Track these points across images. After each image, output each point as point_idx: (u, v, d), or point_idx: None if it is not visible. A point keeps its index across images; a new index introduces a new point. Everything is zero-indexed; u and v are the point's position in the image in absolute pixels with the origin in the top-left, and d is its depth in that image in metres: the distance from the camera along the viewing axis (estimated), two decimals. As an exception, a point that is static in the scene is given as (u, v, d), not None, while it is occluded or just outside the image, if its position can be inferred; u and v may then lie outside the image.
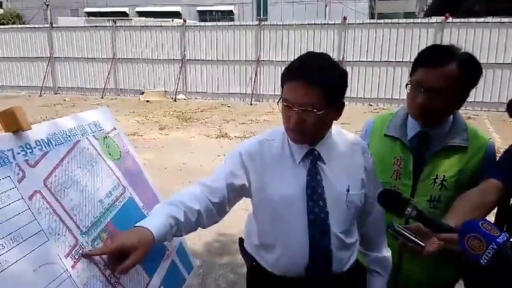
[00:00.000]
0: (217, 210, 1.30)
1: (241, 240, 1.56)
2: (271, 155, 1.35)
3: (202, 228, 1.30)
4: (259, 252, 1.43)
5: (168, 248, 1.39)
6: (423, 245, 1.16)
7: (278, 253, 1.35)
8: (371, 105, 11.38)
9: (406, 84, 1.46)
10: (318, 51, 1.32)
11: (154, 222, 1.11)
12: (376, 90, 11.49)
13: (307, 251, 1.31)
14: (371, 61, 11.40)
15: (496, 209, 1.47)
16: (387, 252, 1.51)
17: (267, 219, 1.36)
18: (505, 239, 0.95)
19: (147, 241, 1.06)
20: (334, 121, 1.34)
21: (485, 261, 0.95)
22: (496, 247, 0.94)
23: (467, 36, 10.38)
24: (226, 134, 8.14)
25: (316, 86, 1.19)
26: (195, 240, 3.63)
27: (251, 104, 11.84)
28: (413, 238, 1.16)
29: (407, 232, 1.17)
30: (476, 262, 0.97)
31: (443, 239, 1.12)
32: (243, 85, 12.68)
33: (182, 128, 8.86)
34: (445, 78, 1.36)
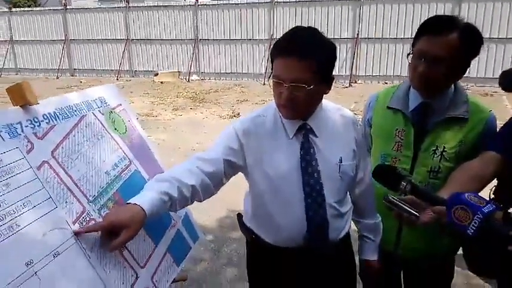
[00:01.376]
0: (213, 184, 1.31)
1: (239, 215, 1.61)
2: (265, 130, 1.38)
3: (199, 201, 1.31)
4: (258, 225, 1.48)
5: (174, 218, 1.44)
6: (418, 215, 1.18)
7: (276, 226, 1.40)
8: (386, 82, 11.22)
9: (408, 54, 1.46)
10: (307, 26, 1.31)
11: (146, 199, 1.11)
12: (391, 67, 11.30)
13: (304, 222, 1.36)
14: (386, 38, 11.18)
15: (495, 183, 1.48)
16: (377, 219, 1.57)
17: (264, 193, 1.40)
18: (491, 209, 0.96)
19: (139, 218, 1.07)
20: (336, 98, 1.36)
21: (472, 231, 0.96)
22: (482, 217, 0.95)
23: (486, 11, 10.05)
24: (239, 114, 8.16)
25: (306, 61, 1.21)
26: (207, 217, 3.72)
27: (264, 84, 11.80)
28: (408, 209, 1.19)
29: (402, 203, 1.20)
30: (464, 233, 0.99)
31: (437, 212, 1.15)
32: (257, 65, 12.62)
33: (196, 108, 8.92)
34: (446, 47, 1.36)
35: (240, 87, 11.49)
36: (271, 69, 1.30)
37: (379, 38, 11.22)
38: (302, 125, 1.35)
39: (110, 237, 1.05)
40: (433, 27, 1.39)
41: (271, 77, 1.29)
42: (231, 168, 1.36)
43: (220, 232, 3.62)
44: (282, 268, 1.45)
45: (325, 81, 1.29)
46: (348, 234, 1.51)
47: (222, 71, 13.06)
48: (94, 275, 1.05)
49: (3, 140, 0.98)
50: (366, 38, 11.34)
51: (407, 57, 1.46)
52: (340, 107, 1.47)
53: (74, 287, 0.99)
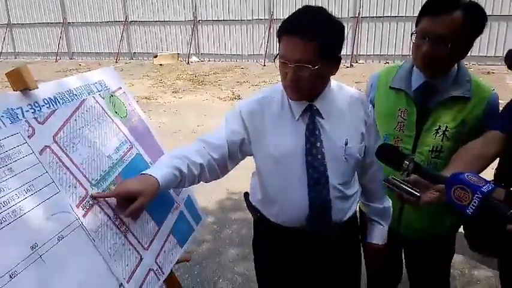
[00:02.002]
0: (219, 166, 1.34)
1: (246, 194, 1.62)
2: (270, 112, 1.38)
3: (205, 182, 1.36)
4: (263, 205, 1.50)
5: (177, 200, 1.46)
6: (419, 195, 1.19)
7: (280, 205, 1.41)
8: (387, 62, 11.12)
9: (411, 34, 1.45)
10: (316, 6, 1.31)
11: (160, 171, 1.18)
12: (393, 46, 11.17)
13: (307, 203, 1.37)
14: (388, 16, 11.02)
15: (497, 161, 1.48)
16: (387, 203, 1.56)
17: (269, 174, 1.42)
18: (490, 188, 0.96)
19: (153, 187, 1.13)
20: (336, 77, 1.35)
21: (471, 210, 0.97)
22: (481, 196, 0.95)
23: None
24: (239, 96, 8.12)
25: (311, 42, 1.19)
26: (209, 198, 3.75)
27: (264, 65, 11.70)
28: (409, 189, 1.19)
29: (403, 184, 1.20)
30: (463, 212, 0.99)
31: (438, 190, 1.15)
32: (256, 45, 12.50)
33: (195, 90, 8.88)
34: (449, 26, 1.35)
35: (239, 69, 11.41)
36: (278, 49, 1.29)
37: (381, 17, 11.06)
38: (308, 106, 1.34)
39: (126, 203, 1.11)
40: (437, 6, 1.38)
41: (277, 58, 1.28)
42: (235, 150, 1.37)
43: (222, 214, 3.65)
44: (286, 247, 1.47)
45: (331, 61, 1.27)
46: (354, 217, 1.51)
47: (221, 53, 12.94)
48: (98, 257, 1.06)
49: (4, 125, 0.98)
50: (367, 17, 11.18)
51: (411, 36, 1.44)
52: (349, 88, 1.45)
53: (78, 269, 1.00)
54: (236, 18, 12.50)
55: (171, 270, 1.34)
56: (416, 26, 1.45)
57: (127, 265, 1.14)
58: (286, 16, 1.29)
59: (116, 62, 13.39)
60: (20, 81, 1.06)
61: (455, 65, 1.50)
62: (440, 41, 1.36)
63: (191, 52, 12.99)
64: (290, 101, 1.36)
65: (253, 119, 1.38)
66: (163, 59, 12.62)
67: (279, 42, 1.28)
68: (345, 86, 1.45)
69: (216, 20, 12.73)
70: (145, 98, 8.06)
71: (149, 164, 1.39)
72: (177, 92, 8.77)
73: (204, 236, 3.27)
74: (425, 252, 1.69)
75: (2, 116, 0.99)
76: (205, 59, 13.01)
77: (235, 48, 12.78)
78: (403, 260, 1.84)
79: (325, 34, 1.21)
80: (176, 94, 8.57)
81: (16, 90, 1.06)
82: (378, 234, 1.57)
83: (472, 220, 0.99)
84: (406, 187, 1.21)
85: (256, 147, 1.40)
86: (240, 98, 7.96)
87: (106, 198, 1.14)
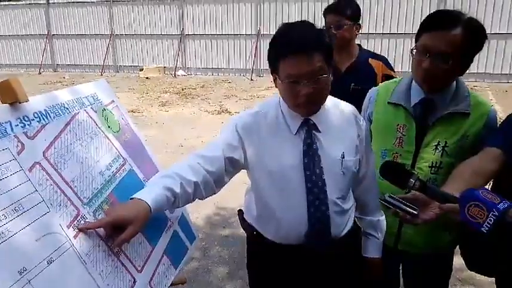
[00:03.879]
0: (215, 181, 1.30)
1: (240, 211, 1.58)
2: (266, 126, 1.37)
3: (201, 199, 1.30)
4: (258, 222, 1.46)
5: (170, 218, 1.40)
6: (416, 213, 1.17)
7: (278, 222, 1.38)
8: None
9: (412, 50, 1.45)
10: (296, 21, 1.34)
11: (151, 194, 1.10)
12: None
13: (305, 219, 1.34)
14: (373, 33, 11.21)
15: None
16: (381, 216, 1.55)
17: (265, 190, 1.38)
18: (506, 206, 0.95)
19: (144, 213, 1.06)
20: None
21: (487, 228, 0.95)
22: (497, 214, 0.94)
23: (471, 4, 10.15)
24: (226, 109, 8.10)
25: (317, 53, 1.21)
26: (197, 214, 3.67)
27: (251, 80, 11.73)
28: (405, 207, 1.17)
29: (399, 201, 1.18)
30: (478, 230, 0.97)
31: (447, 209, 1.13)
32: (243, 60, 12.54)
33: (182, 104, 8.82)
34: (450, 42, 1.35)
35: (227, 83, 11.41)
36: (273, 71, 1.30)
37: (365, 33, 11.23)
38: (305, 121, 1.34)
39: (115, 232, 1.04)
40: (437, 23, 1.39)
41: (282, 80, 1.27)
42: (232, 165, 1.34)
43: (210, 230, 3.58)
44: (283, 265, 1.43)
45: (331, 69, 1.29)
46: (352, 231, 1.49)
47: (208, 67, 12.94)
48: (90, 281, 1.00)
49: (-8, 140, 0.92)
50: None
51: (411, 52, 1.44)
52: (341, 102, 1.46)
53: (69, 295, 0.94)
54: (223, 33, 12.55)
55: (166, 293, 1.27)
56: (416, 41, 1.45)
57: (120, 289, 1.08)
58: (273, 31, 1.30)
59: (101, 75, 13.27)
60: (9, 94, 1.00)
61: (454, 81, 1.50)
62: (441, 57, 1.36)
63: (178, 66, 12.95)
64: (286, 116, 1.36)
65: (249, 133, 1.36)
66: (149, 72, 12.55)
67: (275, 65, 1.28)
68: (338, 100, 1.45)
69: (203, 35, 12.76)
70: (132, 111, 7.96)
71: (143, 181, 1.34)
72: (164, 105, 8.70)
73: (192, 253, 3.18)
74: (423, 268, 1.67)
75: (-11, 131, 0.93)
76: (192, 73, 12.98)
77: (222, 62, 12.80)
78: (401, 277, 1.81)
79: (325, 43, 1.24)
80: (163, 107, 8.50)
81: (4, 103, 1.00)
82: (374, 248, 1.55)
83: (486, 238, 0.97)
84: (403, 205, 1.19)
85: (252, 162, 1.37)
86: (228, 112, 7.93)
87: (98, 217, 1.08)
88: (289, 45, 1.22)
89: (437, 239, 1.58)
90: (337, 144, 1.35)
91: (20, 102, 1.02)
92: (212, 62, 12.89)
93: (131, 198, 1.10)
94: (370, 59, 2.27)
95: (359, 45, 2.40)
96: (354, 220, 1.52)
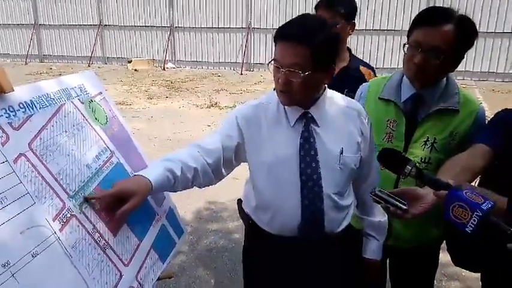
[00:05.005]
0: (213, 171, 1.33)
1: (239, 201, 1.60)
2: (266, 118, 1.37)
3: (199, 187, 1.36)
4: (255, 212, 1.46)
5: (158, 212, 1.39)
6: (405, 208, 1.18)
7: (272, 213, 1.39)
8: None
9: (404, 45, 1.46)
10: (312, 14, 1.34)
11: (153, 173, 1.18)
12: (367, 59, 11.38)
13: (299, 211, 1.34)
14: (362, 29, 11.23)
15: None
16: (383, 217, 1.53)
17: (262, 180, 1.39)
18: (489, 206, 0.96)
19: (145, 189, 1.13)
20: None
21: (471, 228, 0.96)
22: (481, 214, 0.95)
23: (461, 2, 10.21)
24: (216, 103, 8.06)
25: (302, 47, 1.20)
26: (186, 208, 3.65)
27: (242, 74, 11.69)
28: (395, 202, 1.18)
29: (389, 196, 1.19)
30: (462, 230, 0.98)
31: (442, 196, 1.13)
32: (234, 54, 12.48)
33: (171, 97, 8.75)
34: (442, 38, 1.37)
35: (216, 77, 11.34)
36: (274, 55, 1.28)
37: (362, 30, 11.24)
38: (303, 114, 1.34)
39: (118, 204, 1.10)
40: (430, 18, 1.40)
41: (271, 63, 1.28)
42: (230, 154, 1.36)
43: (198, 224, 3.57)
44: (277, 257, 1.43)
45: (323, 68, 1.26)
46: (350, 229, 1.48)
47: (198, 60, 12.84)
48: (76, 275, 0.98)
49: (-25, 130, 0.90)
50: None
51: (403, 47, 1.45)
52: (346, 98, 1.45)
53: (54, 289, 0.92)
54: (214, 26, 12.46)
55: None
56: (408, 37, 1.46)
57: (106, 283, 1.06)
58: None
59: (89, 66, 13.08)
60: (-7, 84, 0.98)
61: (445, 78, 1.51)
62: (433, 52, 1.38)
63: (167, 58, 12.84)
64: (286, 108, 1.36)
65: (249, 124, 1.37)
66: (138, 64, 12.41)
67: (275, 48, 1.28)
68: (342, 96, 1.45)
69: (193, 27, 12.65)
70: (119, 103, 7.87)
71: (130, 174, 1.32)
72: (152, 98, 8.62)
73: (180, 247, 3.17)
74: (410, 263, 1.69)
75: (-28, 121, 0.91)
76: (181, 66, 12.88)
77: (212, 56, 12.71)
78: (387, 271, 1.83)
79: (317, 40, 1.21)
80: (151, 100, 8.42)
81: (-12, 93, 0.98)
82: (373, 249, 1.54)
83: (469, 238, 0.98)
84: (392, 200, 1.19)
85: (250, 153, 1.39)
86: (217, 106, 7.90)
87: (83, 212, 1.07)
88: (280, 32, 1.25)
89: (425, 234, 1.60)
90: (336, 140, 1.35)
91: (4, 92, 0.99)
92: (202, 55, 12.79)
93: (134, 175, 1.18)
94: (361, 66, 2.17)
95: (349, 48, 2.22)
96: (356, 220, 1.51)
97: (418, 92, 1.51)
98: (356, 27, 2.22)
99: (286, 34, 1.23)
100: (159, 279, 1.30)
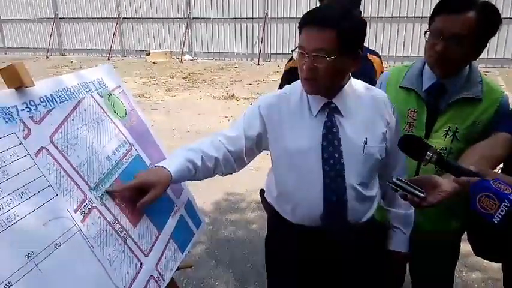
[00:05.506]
0: (235, 160, 1.36)
1: (262, 191, 1.60)
2: (289, 108, 1.37)
3: (221, 175, 1.39)
4: (277, 202, 1.47)
5: (177, 203, 1.40)
6: (423, 196, 1.16)
7: (294, 203, 1.39)
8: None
9: (425, 32, 1.43)
10: (337, 1, 1.33)
11: (173, 163, 1.20)
12: (387, 47, 11.17)
13: (321, 202, 1.33)
14: (381, 17, 11.03)
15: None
16: (409, 209, 1.51)
17: (284, 170, 1.39)
18: None
19: (165, 180, 1.16)
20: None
21: (498, 219, 0.94)
22: (508, 205, 0.92)
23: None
24: (233, 95, 8.07)
25: (328, 31, 1.18)
26: (204, 199, 3.69)
27: (258, 64, 11.65)
28: (413, 190, 1.16)
29: (407, 184, 1.17)
30: (489, 221, 0.96)
31: (464, 183, 1.11)
32: (250, 44, 12.44)
33: (189, 89, 8.80)
34: (465, 25, 1.33)
35: (233, 68, 11.34)
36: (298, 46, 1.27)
37: (375, 17, 11.05)
38: (326, 103, 1.33)
39: (138, 195, 1.14)
40: (452, 5, 1.36)
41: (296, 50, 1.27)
42: (252, 143, 1.38)
43: (217, 214, 3.60)
44: (299, 246, 1.43)
45: (349, 55, 1.24)
46: (375, 220, 1.46)
47: (215, 51, 12.86)
48: (98, 265, 1.01)
49: (-2, 125, 0.92)
50: (368, 17, 11.22)
51: (425, 35, 1.42)
52: (372, 88, 1.43)
53: (77, 279, 0.95)
54: (230, 17, 12.43)
55: (172, 277, 1.28)
56: (429, 25, 1.43)
57: (127, 273, 1.09)
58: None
59: (108, 59, 13.25)
60: (15, 79, 1.00)
61: (467, 66, 1.48)
62: (455, 40, 1.34)
63: (184, 50, 12.89)
64: (309, 97, 1.35)
65: (272, 114, 1.37)
66: (156, 56, 12.51)
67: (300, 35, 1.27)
68: (367, 85, 1.43)
69: (210, 18, 12.65)
70: (138, 95, 7.96)
71: (149, 166, 1.33)
72: (171, 90, 8.69)
73: (199, 237, 3.21)
74: (430, 255, 1.67)
75: (-4, 116, 0.93)
76: (198, 58, 12.92)
77: (229, 47, 12.70)
78: (407, 264, 1.81)
79: (343, 24, 1.19)
80: (170, 92, 8.49)
81: (10, 88, 1.00)
82: (399, 242, 1.52)
83: (496, 228, 0.96)
84: (410, 188, 1.18)
85: (272, 143, 1.39)
86: (234, 97, 7.91)
87: (104, 203, 1.09)
88: (305, 18, 1.24)
89: (444, 224, 1.58)
90: (360, 129, 1.33)
91: (25, 87, 1.02)
92: (219, 47, 12.80)
93: (155, 166, 1.20)
94: (368, 54, 2.12)
95: None
96: (380, 213, 1.49)
97: (440, 81, 1.47)
98: (379, 15, 2.16)
99: (311, 19, 1.21)
100: (178, 269, 1.32)
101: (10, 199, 0.88)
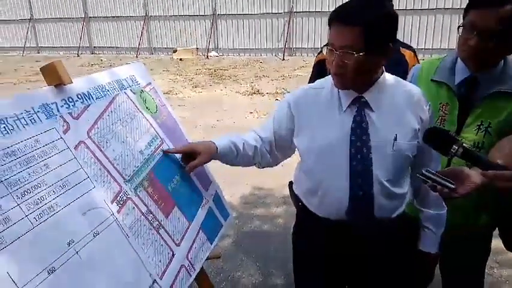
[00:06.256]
0: (270, 155, 1.48)
1: (290, 183, 1.61)
2: (318, 102, 1.38)
3: (259, 167, 1.53)
4: (305, 195, 1.48)
5: (205, 196, 1.45)
6: (453, 187, 1.15)
7: (321, 197, 1.39)
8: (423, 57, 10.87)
9: (459, 27, 1.40)
10: None
11: (220, 141, 1.39)
12: (416, 39, 10.93)
13: (347, 196, 1.33)
14: (411, 9, 10.79)
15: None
16: (441, 210, 1.48)
17: (312, 163, 1.40)
18: None
19: (212, 150, 1.36)
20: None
21: None
22: None
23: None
24: (258, 90, 8.10)
25: (355, 27, 1.17)
26: (231, 194, 3.74)
27: (283, 59, 11.63)
28: (443, 181, 1.15)
29: (437, 176, 1.17)
30: None
31: (491, 176, 1.10)
32: (275, 39, 12.42)
33: (215, 85, 8.89)
34: (500, 20, 1.30)
35: (258, 63, 11.36)
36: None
37: (403, 9, 10.82)
38: (356, 98, 1.32)
39: (187, 160, 1.35)
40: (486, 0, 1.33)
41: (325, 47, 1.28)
42: (283, 141, 1.45)
43: (244, 209, 3.64)
44: (326, 240, 1.43)
45: (379, 50, 1.22)
46: (404, 219, 1.44)
47: (240, 47, 12.91)
48: (133, 253, 1.06)
49: (40, 120, 0.98)
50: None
51: (458, 29, 1.39)
52: (406, 83, 1.41)
53: (113, 266, 1.00)
54: (255, 12, 12.44)
55: (202, 267, 1.33)
56: (463, 18, 1.40)
57: (160, 261, 1.14)
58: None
59: (136, 56, 13.50)
60: (54, 76, 1.06)
61: (502, 60, 1.44)
62: (489, 34, 1.31)
63: (210, 47, 13.00)
64: (340, 91, 1.34)
65: (300, 109, 1.40)
66: (182, 53, 12.66)
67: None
68: (402, 81, 1.41)
69: (235, 14, 12.69)
70: (166, 92, 8.10)
71: (179, 159, 1.38)
72: (197, 86, 8.79)
73: (226, 231, 3.26)
74: (461, 249, 1.64)
75: (38, 111, 0.99)
76: (224, 54, 13.00)
77: (254, 42, 12.72)
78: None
79: (370, 20, 1.17)
80: (196, 89, 8.60)
81: (50, 85, 1.06)
82: (429, 243, 1.49)
83: None
84: (439, 179, 1.17)
85: (300, 138, 1.40)
86: (259, 92, 7.93)
87: (138, 195, 1.14)
88: (334, 14, 1.24)
89: (475, 218, 1.55)
90: (391, 125, 1.31)
91: (64, 84, 1.07)
92: (244, 42, 12.84)
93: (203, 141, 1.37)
94: (401, 48, 2.09)
95: None
96: (414, 212, 1.49)
97: (473, 75, 1.44)
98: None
99: (338, 16, 1.21)
100: (207, 259, 1.37)
101: (52, 190, 0.94)
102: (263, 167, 1.52)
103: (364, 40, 1.18)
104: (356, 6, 1.21)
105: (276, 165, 1.53)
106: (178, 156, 1.39)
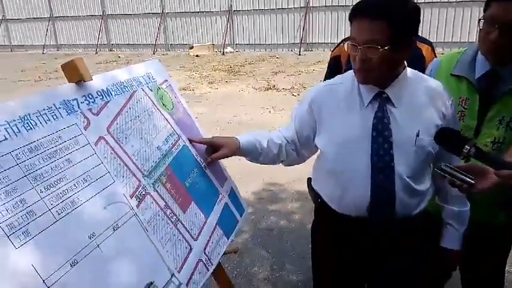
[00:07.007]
0: (296, 153, 1.49)
1: (309, 179, 1.62)
2: (338, 98, 1.36)
3: (284, 165, 1.55)
4: (324, 191, 1.47)
5: (221, 192, 1.46)
6: (473, 182, 1.13)
7: (341, 193, 1.38)
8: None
9: (479, 20, 1.37)
10: None
11: (243, 137, 1.42)
12: (434, 32, 10.74)
13: (368, 192, 1.32)
14: (429, 2, 10.61)
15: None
16: (464, 207, 1.45)
17: (331, 160, 1.38)
18: None
19: (234, 145, 1.39)
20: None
21: None
22: None
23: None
24: (274, 86, 8.09)
25: (378, 21, 1.15)
26: (247, 189, 3.76)
27: (300, 55, 11.57)
28: (462, 176, 1.14)
29: (456, 171, 1.15)
30: None
31: (504, 176, 1.09)
32: (292, 34, 12.36)
33: (231, 81, 8.91)
34: None
35: (275, 59, 11.34)
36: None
37: (421, 2, 10.64)
38: (378, 93, 1.30)
39: (210, 152, 1.40)
40: None
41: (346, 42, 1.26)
42: (306, 139, 1.45)
43: (259, 205, 3.66)
44: (345, 236, 1.43)
45: (403, 43, 1.21)
46: (426, 215, 1.42)
47: (256, 43, 12.90)
48: (152, 247, 1.08)
49: (62, 116, 1.01)
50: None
51: (479, 22, 1.37)
52: (429, 79, 1.39)
53: (133, 259, 1.02)
54: (271, 7, 12.40)
55: (219, 262, 1.34)
56: (484, 11, 1.37)
57: (178, 255, 1.16)
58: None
59: (153, 53, 13.63)
60: (75, 73, 1.08)
61: None
62: (510, 28, 1.28)
63: (226, 43, 13.02)
64: (360, 87, 1.33)
65: (321, 106, 1.39)
66: (198, 50, 12.72)
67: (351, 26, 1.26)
68: (423, 76, 1.39)
69: (251, 10, 12.68)
70: (182, 88, 8.16)
71: (195, 156, 1.40)
72: (213, 82, 8.83)
73: (242, 227, 3.28)
74: (479, 248, 1.62)
75: (59, 108, 1.02)
76: (240, 50, 13.01)
77: (270, 38, 12.70)
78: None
79: (394, 13, 1.16)
80: (212, 85, 8.64)
81: (71, 82, 1.09)
82: (451, 239, 1.47)
83: None
84: (459, 174, 1.16)
85: (321, 133, 1.40)
86: (275, 88, 7.92)
87: (157, 190, 1.16)
88: (356, 8, 1.21)
89: (492, 216, 1.53)
90: (413, 121, 1.29)
91: (84, 81, 1.10)
92: (260, 38, 12.83)
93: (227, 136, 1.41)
94: (418, 42, 2.09)
95: None
96: (437, 209, 1.47)
97: (494, 69, 1.41)
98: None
99: (362, 10, 1.19)
100: (225, 253, 1.38)
101: (74, 185, 0.96)
102: (289, 165, 1.54)
103: (390, 34, 1.16)
104: (380, 0, 1.19)
105: (304, 162, 1.55)
106: (194, 152, 1.41)
